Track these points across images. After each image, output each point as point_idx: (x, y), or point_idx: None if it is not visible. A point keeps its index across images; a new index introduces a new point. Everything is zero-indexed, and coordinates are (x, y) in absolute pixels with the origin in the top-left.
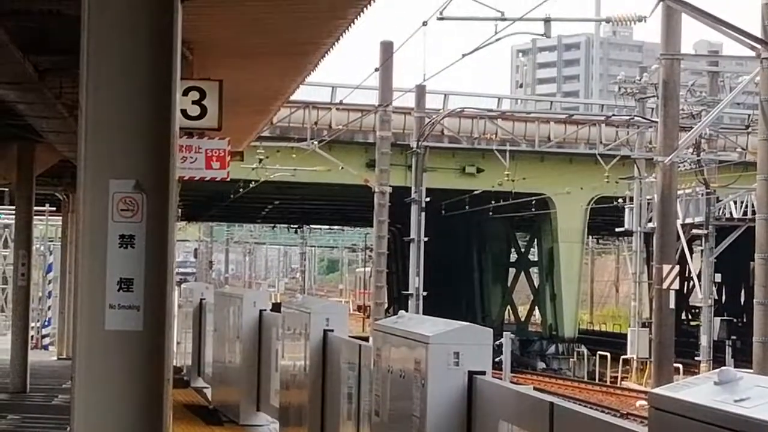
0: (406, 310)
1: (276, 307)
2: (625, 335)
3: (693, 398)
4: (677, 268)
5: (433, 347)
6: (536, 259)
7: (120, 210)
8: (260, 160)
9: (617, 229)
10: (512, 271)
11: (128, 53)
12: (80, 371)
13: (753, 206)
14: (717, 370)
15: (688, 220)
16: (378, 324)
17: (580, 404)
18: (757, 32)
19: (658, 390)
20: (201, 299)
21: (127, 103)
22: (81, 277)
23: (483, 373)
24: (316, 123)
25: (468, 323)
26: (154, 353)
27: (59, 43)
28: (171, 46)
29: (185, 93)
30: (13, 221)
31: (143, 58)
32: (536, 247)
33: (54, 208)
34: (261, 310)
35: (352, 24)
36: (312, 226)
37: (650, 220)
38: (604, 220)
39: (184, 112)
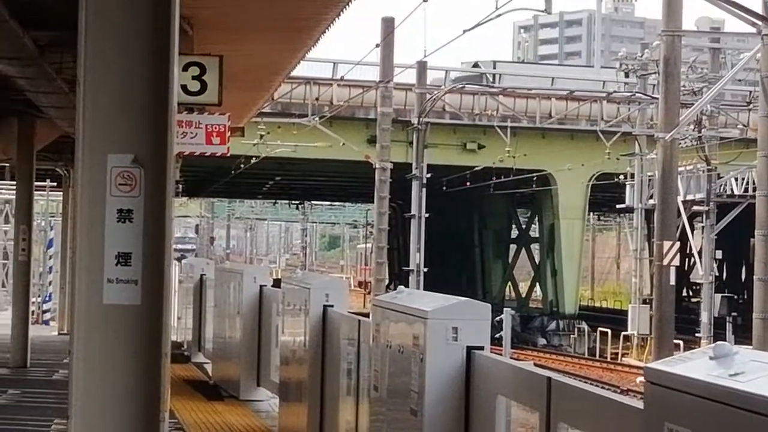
0: (407, 286)
1: (277, 283)
2: (626, 312)
3: (688, 372)
4: (678, 244)
5: (431, 322)
6: (537, 235)
7: (118, 184)
8: (261, 136)
9: (618, 206)
10: (513, 247)
11: (126, 27)
12: (78, 345)
13: (754, 183)
14: (713, 344)
15: (689, 197)
16: (377, 299)
17: (580, 380)
18: (759, 9)
19: (653, 364)
20: (201, 275)
21: (125, 77)
22: (79, 252)
23: (481, 348)
24: (317, 99)
25: (467, 298)
26: (152, 327)
27: (59, 18)
28: (169, 21)
29: (185, 68)
30: (14, 196)
31: (141, 32)
32: (537, 223)
33: (55, 184)
34: (261, 286)
35: None
36: (313, 202)
37: (651, 197)
38: (605, 196)
39: (184, 88)
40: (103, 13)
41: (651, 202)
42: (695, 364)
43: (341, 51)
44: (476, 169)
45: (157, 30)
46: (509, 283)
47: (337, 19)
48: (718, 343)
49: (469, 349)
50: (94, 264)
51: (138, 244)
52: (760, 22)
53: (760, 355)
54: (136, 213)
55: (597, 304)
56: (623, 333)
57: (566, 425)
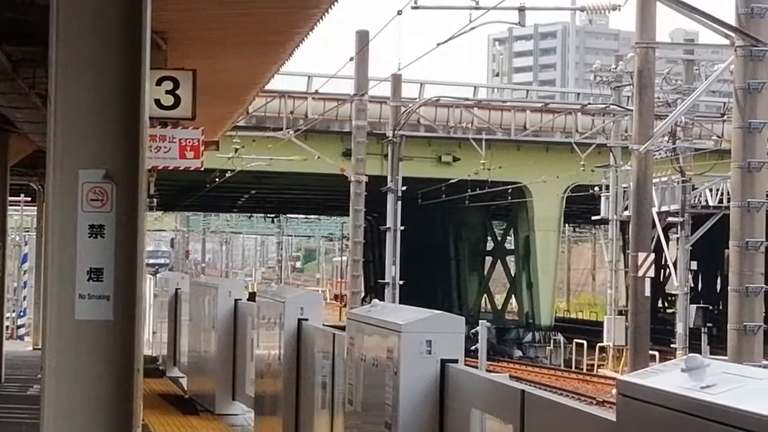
0: (383, 299)
1: (252, 297)
2: (602, 323)
3: (660, 385)
4: (653, 255)
5: (405, 336)
6: (513, 247)
7: (89, 200)
8: (236, 150)
9: (593, 218)
10: (489, 259)
11: (97, 42)
12: (50, 361)
13: (728, 194)
14: (684, 356)
15: (664, 208)
16: (351, 313)
17: (556, 392)
18: (732, 21)
19: (626, 377)
20: (176, 289)
21: (96, 93)
22: (51, 267)
23: (455, 361)
24: (291, 112)
25: (440, 311)
26: (124, 343)
27: (33, 34)
28: (140, 35)
29: (159, 83)
30: None
31: (112, 47)
32: (512, 235)
33: (29, 199)
34: (236, 300)
35: (326, 13)
36: (289, 215)
37: (626, 208)
38: (581, 208)
39: (157, 102)
40: (74, 28)
41: (626, 213)
42: (667, 377)
43: (316, 64)
44: (451, 181)
45: (129, 45)
46: (485, 295)
47: (311, 33)
48: (690, 355)
49: (443, 362)
50: (66, 279)
51: (110, 259)
52: (733, 34)
53: (731, 367)
54: (107, 228)
55: (573, 316)
56: (599, 344)
57: None
